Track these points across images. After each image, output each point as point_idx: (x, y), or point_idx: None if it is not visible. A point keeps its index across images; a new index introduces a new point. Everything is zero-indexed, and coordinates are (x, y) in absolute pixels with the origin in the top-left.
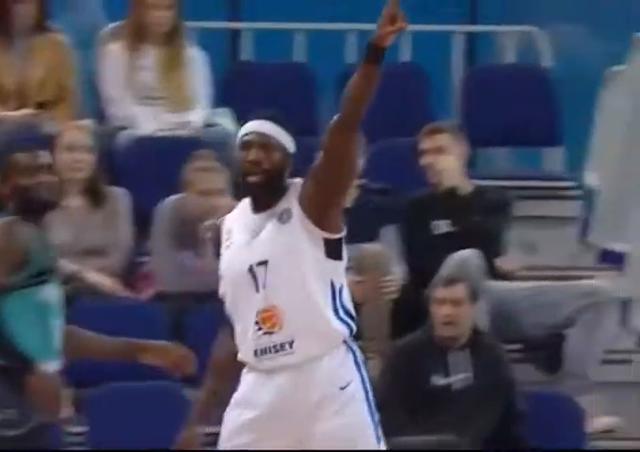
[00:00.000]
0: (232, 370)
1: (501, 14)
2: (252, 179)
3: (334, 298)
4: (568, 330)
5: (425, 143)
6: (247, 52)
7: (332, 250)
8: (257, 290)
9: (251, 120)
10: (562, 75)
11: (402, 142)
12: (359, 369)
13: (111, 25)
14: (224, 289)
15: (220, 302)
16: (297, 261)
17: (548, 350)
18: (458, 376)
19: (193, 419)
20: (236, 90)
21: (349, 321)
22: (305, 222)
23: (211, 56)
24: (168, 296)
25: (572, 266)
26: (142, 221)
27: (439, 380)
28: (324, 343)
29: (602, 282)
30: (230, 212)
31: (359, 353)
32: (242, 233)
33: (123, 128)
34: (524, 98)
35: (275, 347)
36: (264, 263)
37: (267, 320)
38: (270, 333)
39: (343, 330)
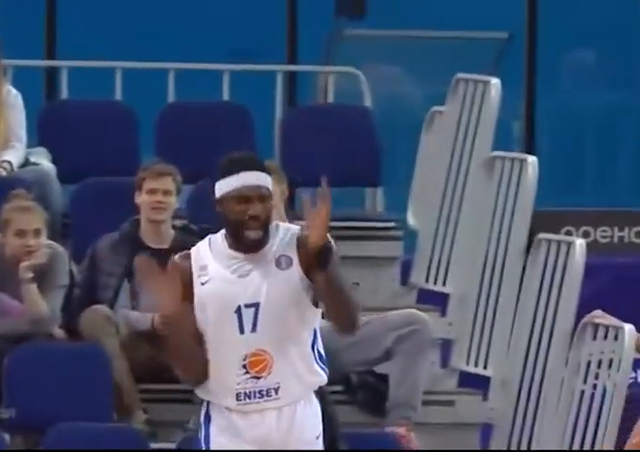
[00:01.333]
0: None
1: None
2: (254, 235)
3: (314, 344)
4: (389, 365)
5: None
6: (64, 90)
7: (315, 300)
8: (241, 331)
9: (239, 168)
10: (383, 116)
11: None
12: (322, 423)
13: None
14: (204, 326)
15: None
16: (292, 307)
17: (371, 391)
18: None
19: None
20: (53, 130)
21: (325, 367)
22: (301, 274)
23: (27, 95)
24: None
25: (394, 306)
26: None
27: None
28: (306, 388)
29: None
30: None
31: None
32: (222, 269)
33: None
34: (345, 138)
35: (261, 392)
36: (254, 305)
37: (255, 365)
38: (257, 378)
39: (323, 376)
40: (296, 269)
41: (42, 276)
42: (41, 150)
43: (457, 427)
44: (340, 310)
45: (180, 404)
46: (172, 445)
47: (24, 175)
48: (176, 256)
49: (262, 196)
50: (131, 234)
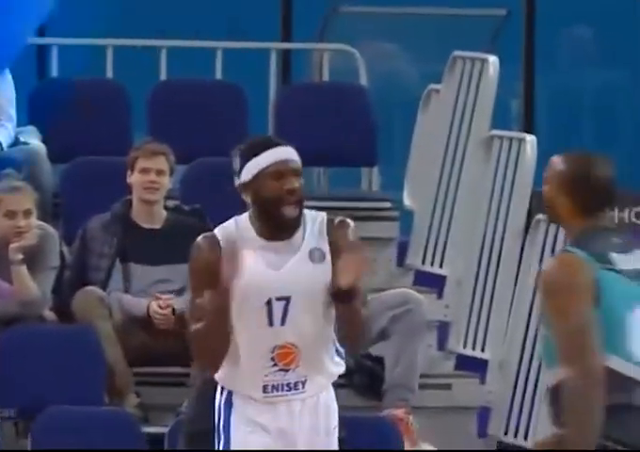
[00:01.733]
0: None
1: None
2: (291, 212)
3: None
4: (385, 347)
5: None
6: (54, 69)
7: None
8: (270, 324)
9: (268, 145)
10: (379, 94)
11: (218, 162)
12: None
13: None
14: (235, 317)
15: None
16: (321, 301)
17: (368, 374)
18: None
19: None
20: (43, 108)
21: (343, 355)
22: (331, 268)
23: (17, 73)
24: None
25: (390, 287)
26: None
27: None
28: (328, 380)
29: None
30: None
31: None
32: (253, 259)
33: None
34: (340, 117)
35: (288, 385)
36: (285, 298)
37: (284, 357)
38: (285, 371)
39: (342, 365)
40: (328, 264)
41: (33, 257)
42: (32, 129)
43: (454, 410)
44: (349, 334)
45: (172, 387)
46: (165, 429)
47: (14, 155)
48: (201, 239)
49: (296, 170)
50: (122, 215)
